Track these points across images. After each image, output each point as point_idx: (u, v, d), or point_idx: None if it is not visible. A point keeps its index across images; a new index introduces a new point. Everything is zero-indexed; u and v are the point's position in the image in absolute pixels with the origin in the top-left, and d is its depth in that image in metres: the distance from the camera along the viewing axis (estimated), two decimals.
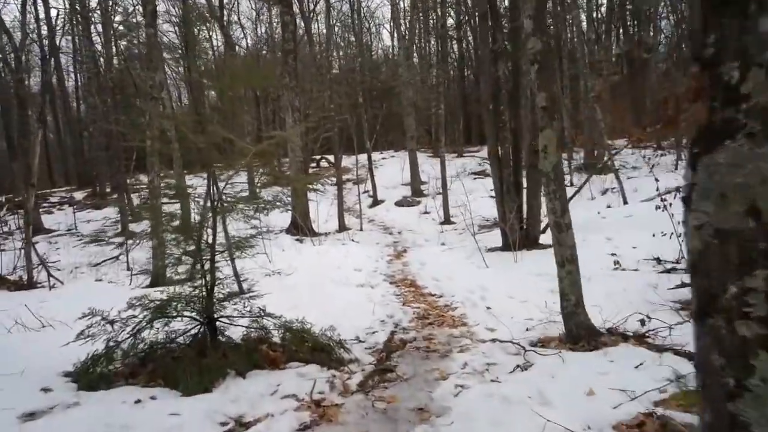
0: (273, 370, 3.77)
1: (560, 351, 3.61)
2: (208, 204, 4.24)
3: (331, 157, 19.08)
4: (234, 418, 3.03)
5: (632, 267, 6.71)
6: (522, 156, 8.97)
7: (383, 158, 24.39)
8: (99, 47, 20.73)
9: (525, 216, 8.89)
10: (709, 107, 0.97)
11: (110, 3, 19.80)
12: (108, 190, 21.60)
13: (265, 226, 14.22)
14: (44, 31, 21.86)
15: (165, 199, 7.47)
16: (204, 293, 4.04)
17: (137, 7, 18.58)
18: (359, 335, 4.94)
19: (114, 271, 10.17)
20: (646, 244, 7.86)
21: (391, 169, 21.77)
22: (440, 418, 2.88)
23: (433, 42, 28.69)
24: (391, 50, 32.20)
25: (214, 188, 4.31)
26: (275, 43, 21.75)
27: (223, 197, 4.43)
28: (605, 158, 14.30)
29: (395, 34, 24.85)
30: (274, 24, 23.88)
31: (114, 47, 20.83)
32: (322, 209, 15.03)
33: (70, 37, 25.24)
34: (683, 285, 5.18)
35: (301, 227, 12.46)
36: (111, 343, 3.81)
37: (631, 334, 3.88)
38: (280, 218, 13.43)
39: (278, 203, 4.58)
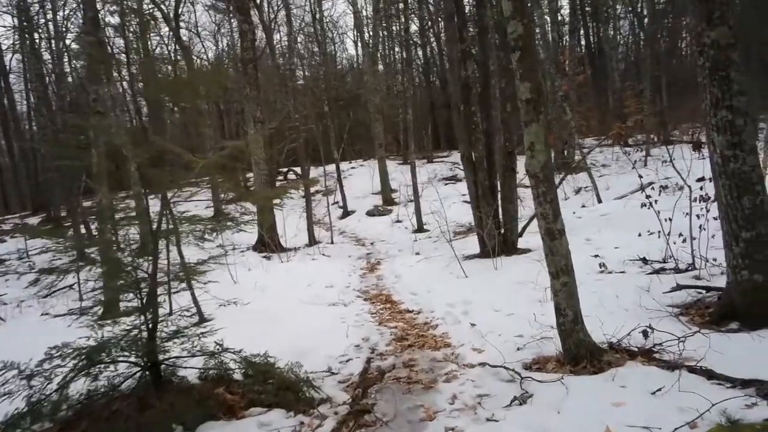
0: (230, 419, 3.20)
1: (562, 376, 3.14)
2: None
3: (299, 169, 18.49)
4: None
5: (618, 269, 6.36)
6: (495, 158, 8.59)
7: (352, 168, 23.89)
8: (50, 65, 19.70)
9: (502, 220, 8.50)
10: None
11: (60, 18, 18.85)
12: (63, 214, 20.46)
13: (231, 244, 13.55)
14: None
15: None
16: (145, 333, 3.44)
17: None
18: (332, 365, 4.40)
19: (64, 303, 9.34)
20: (628, 243, 7.56)
21: (361, 178, 21.27)
22: None
23: (397, 49, 28.46)
24: (355, 59, 31.88)
25: (166, 210, 3.73)
26: (237, 56, 21.08)
27: (170, 218, 3.86)
28: (577, 156, 14.11)
29: (359, 42, 24.54)
30: (236, 36, 23.21)
31: (67, 64, 19.82)
32: (290, 223, 14.39)
33: (20, 56, 24.02)
34: (678, 288, 4.83)
35: (268, 243, 11.82)
36: (34, 399, 3.19)
37: (637, 349, 3.46)
38: (247, 235, 12.77)
39: (231, 222, 3.98)
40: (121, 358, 3.35)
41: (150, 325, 3.53)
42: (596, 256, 6.91)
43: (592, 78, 23.97)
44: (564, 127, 15.53)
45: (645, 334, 3.68)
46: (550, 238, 3.35)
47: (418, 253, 10.48)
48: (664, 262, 6.22)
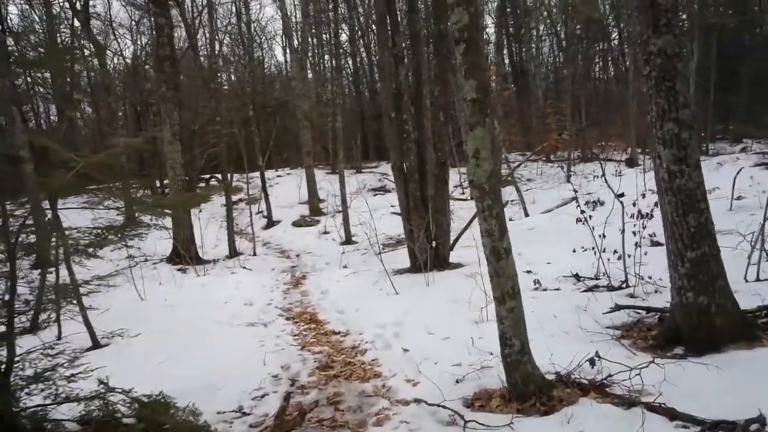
0: None
1: (511, 419, 2.73)
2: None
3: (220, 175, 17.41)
4: None
5: (553, 286, 6.17)
6: (427, 168, 8.26)
7: (279, 176, 22.99)
8: None
9: (433, 233, 8.16)
10: None
11: None
12: None
13: (142, 255, 12.32)
14: None
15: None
16: None
17: None
18: (244, 403, 3.77)
19: None
20: (558, 258, 7.46)
21: (287, 187, 20.45)
22: None
23: (327, 57, 27.97)
24: (284, 66, 31.02)
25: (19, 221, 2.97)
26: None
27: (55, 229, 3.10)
28: (504, 170, 14.22)
29: (288, 48, 23.77)
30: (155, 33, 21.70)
31: None
32: (210, 233, 13.36)
33: None
34: (617, 308, 4.63)
35: (183, 255, 10.82)
36: None
37: (587, 381, 3.13)
38: (162, 245, 11.67)
39: (113, 233, 3.29)
40: None
41: (4, 368, 2.76)
42: (529, 272, 6.71)
43: (516, 95, 24.69)
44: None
45: (592, 362, 3.37)
46: (496, 258, 2.95)
47: (346, 267, 9.96)
48: (597, 278, 6.11)
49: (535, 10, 26.71)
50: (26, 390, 2.83)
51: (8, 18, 15.42)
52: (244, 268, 10.80)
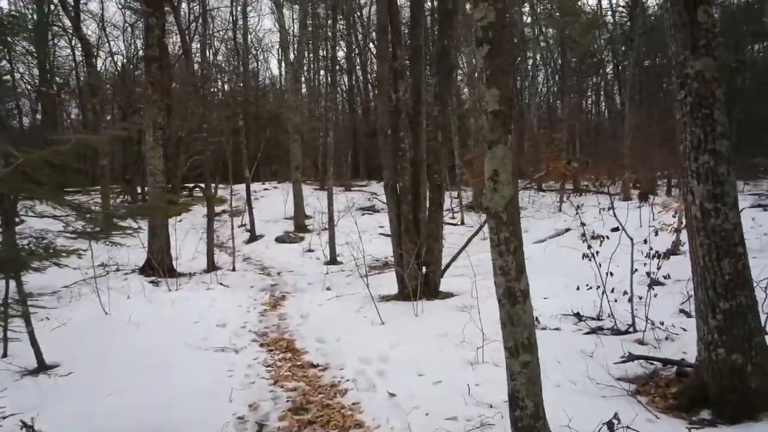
0: None
1: None
2: None
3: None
4: None
5: (552, 324, 5.70)
6: (422, 190, 7.80)
7: (265, 189, 22.42)
8: None
9: (424, 259, 7.67)
10: None
11: None
12: None
13: (114, 264, 11.61)
14: None
15: None
16: None
17: None
18: None
19: None
20: (555, 292, 7.00)
21: (273, 200, 19.86)
22: None
23: (323, 73, 27.73)
24: (279, 79, 30.70)
25: None
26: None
27: None
28: None
29: (283, 60, 23.44)
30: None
31: None
32: (188, 244, 12.72)
33: None
34: (631, 358, 4.16)
35: (156, 268, 10.19)
36: None
37: None
38: (136, 254, 11.03)
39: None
40: None
41: None
42: None
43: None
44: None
45: (611, 427, 2.89)
46: (511, 302, 2.47)
47: (329, 289, 9.40)
48: (600, 319, 5.65)
49: (533, 39, 26.77)
50: None
51: None
52: (221, 284, 10.17)
